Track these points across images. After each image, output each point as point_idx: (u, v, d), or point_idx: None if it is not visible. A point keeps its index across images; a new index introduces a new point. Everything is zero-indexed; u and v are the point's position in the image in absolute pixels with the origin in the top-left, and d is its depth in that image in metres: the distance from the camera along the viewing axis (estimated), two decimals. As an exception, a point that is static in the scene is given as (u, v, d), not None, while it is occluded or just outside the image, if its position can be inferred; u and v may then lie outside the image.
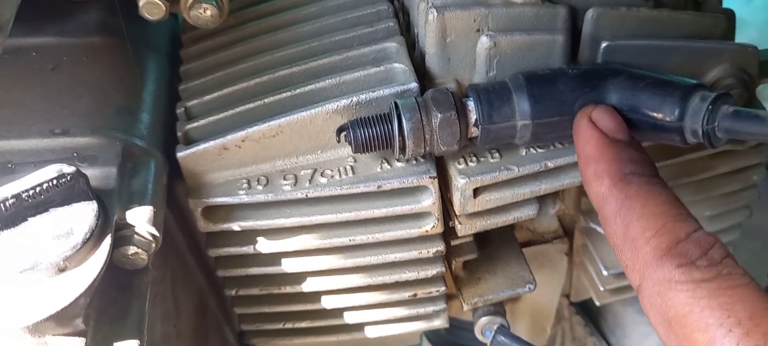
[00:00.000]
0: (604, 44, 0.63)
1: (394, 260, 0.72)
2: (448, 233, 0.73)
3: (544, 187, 0.67)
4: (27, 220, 0.52)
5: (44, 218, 0.52)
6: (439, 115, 0.60)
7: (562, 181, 0.67)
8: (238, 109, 0.67)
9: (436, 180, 0.65)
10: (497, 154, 0.65)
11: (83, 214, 0.53)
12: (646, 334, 1.03)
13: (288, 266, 0.73)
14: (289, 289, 0.76)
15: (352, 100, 0.64)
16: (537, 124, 0.60)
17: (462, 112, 0.60)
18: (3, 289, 0.49)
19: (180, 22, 0.84)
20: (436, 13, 0.63)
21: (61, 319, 0.49)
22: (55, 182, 0.52)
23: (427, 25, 0.64)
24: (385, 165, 0.66)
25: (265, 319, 0.83)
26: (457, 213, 0.68)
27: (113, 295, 0.56)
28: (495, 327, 0.79)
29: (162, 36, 0.83)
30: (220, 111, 0.68)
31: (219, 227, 0.68)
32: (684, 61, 0.64)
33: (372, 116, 0.62)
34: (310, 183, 0.66)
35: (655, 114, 0.57)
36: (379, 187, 0.65)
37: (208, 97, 0.70)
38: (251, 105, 0.67)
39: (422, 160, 0.65)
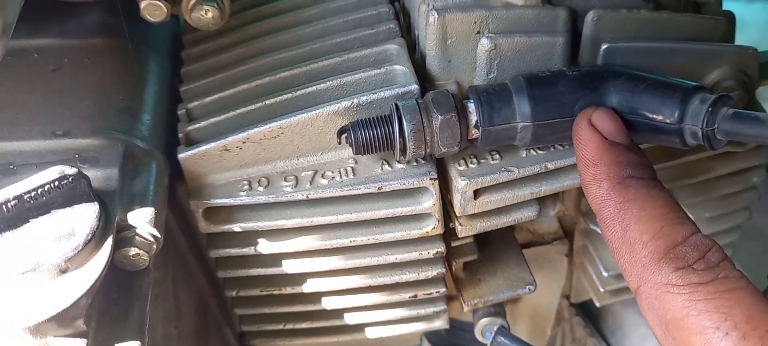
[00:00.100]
0: (604, 46, 0.63)
1: (395, 261, 0.73)
2: (448, 235, 0.73)
3: (544, 188, 0.67)
4: (29, 221, 0.52)
5: (46, 220, 0.52)
6: (439, 116, 0.60)
7: (562, 182, 0.67)
8: (239, 111, 0.67)
9: (437, 181, 0.65)
10: (497, 156, 0.66)
11: (85, 215, 0.53)
12: (646, 335, 1.03)
13: (288, 267, 0.73)
14: (289, 290, 0.76)
15: (352, 102, 0.64)
16: (537, 125, 0.60)
17: (462, 114, 0.60)
18: (5, 290, 0.49)
19: (181, 23, 0.84)
20: (436, 16, 0.63)
21: (62, 320, 0.49)
22: (56, 183, 0.52)
23: (428, 27, 0.64)
24: (386, 166, 0.66)
25: (265, 320, 0.83)
26: (457, 214, 0.68)
27: (114, 296, 0.56)
28: (495, 328, 0.80)
29: (163, 37, 0.83)
30: (222, 112, 0.68)
31: (220, 228, 0.68)
32: (684, 63, 0.64)
33: (373, 118, 0.62)
34: (310, 184, 0.66)
35: (655, 116, 0.57)
36: (379, 188, 0.65)
37: (209, 99, 0.70)
38: (252, 106, 0.67)
39: (423, 161, 0.65)
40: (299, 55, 0.72)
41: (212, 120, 0.68)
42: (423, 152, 0.61)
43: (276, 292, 0.77)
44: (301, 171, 0.67)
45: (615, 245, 0.52)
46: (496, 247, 0.82)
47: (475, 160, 0.65)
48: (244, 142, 0.65)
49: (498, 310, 0.81)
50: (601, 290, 0.87)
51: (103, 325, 0.54)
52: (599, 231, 0.80)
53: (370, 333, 0.84)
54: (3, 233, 0.51)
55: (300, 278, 0.75)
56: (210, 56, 0.77)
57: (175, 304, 0.75)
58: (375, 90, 0.65)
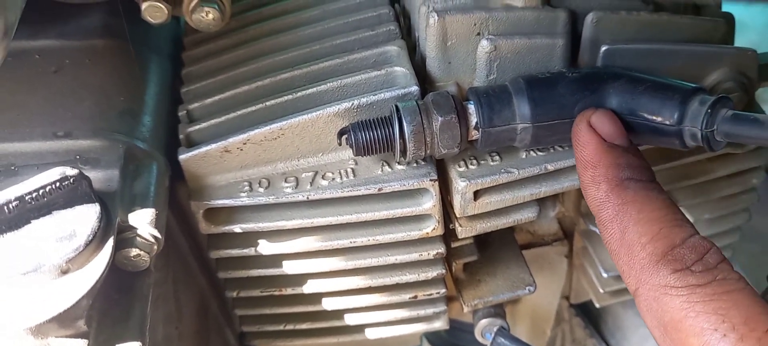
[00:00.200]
0: (603, 48, 0.63)
1: (395, 262, 0.73)
2: (448, 236, 0.73)
3: (544, 189, 0.67)
4: (30, 222, 0.52)
5: (47, 221, 0.52)
6: (439, 118, 0.60)
7: (562, 184, 0.67)
8: (239, 112, 0.67)
9: (437, 183, 0.65)
10: (497, 157, 0.66)
11: (86, 216, 0.53)
12: (646, 336, 1.03)
13: (289, 267, 0.73)
14: (290, 291, 0.77)
15: (353, 104, 0.64)
16: (537, 127, 0.60)
17: (462, 116, 0.60)
18: (6, 290, 0.49)
19: (182, 24, 0.85)
20: (436, 17, 0.63)
21: (63, 320, 0.49)
22: (58, 184, 0.53)
23: (428, 29, 0.64)
24: (386, 168, 0.66)
25: (266, 320, 0.83)
26: (457, 215, 0.68)
27: (115, 297, 0.56)
28: (495, 329, 0.80)
29: (164, 39, 0.83)
30: (222, 114, 0.68)
31: (220, 229, 0.68)
32: (684, 64, 0.64)
33: (373, 119, 0.62)
34: (311, 185, 0.66)
35: (654, 117, 0.58)
36: (379, 189, 0.65)
37: (209, 100, 0.70)
38: (253, 108, 0.67)
39: (423, 162, 0.66)
40: (300, 57, 0.72)
41: (213, 121, 0.68)
42: (423, 154, 0.62)
43: (276, 293, 0.77)
44: (301, 172, 0.67)
45: (613, 246, 0.52)
46: (496, 248, 0.82)
47: (475, 161, 0.65)
48: (244, 144, 0.65)
49: (498, 311, 0.81)
50: (601, 291, 0.87)
51: (104, 326, 0.54)
52: (599, 232, 0.80)
53: (370, 334, 0.84)
54: (4, 234, 0.51)
55: (300, 278, 0.75)
56: (211, 58, 0.77)
57: (175, 305, 0.75)
58: (375, 91, 0.65)
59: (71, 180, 0.53)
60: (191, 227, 0.74)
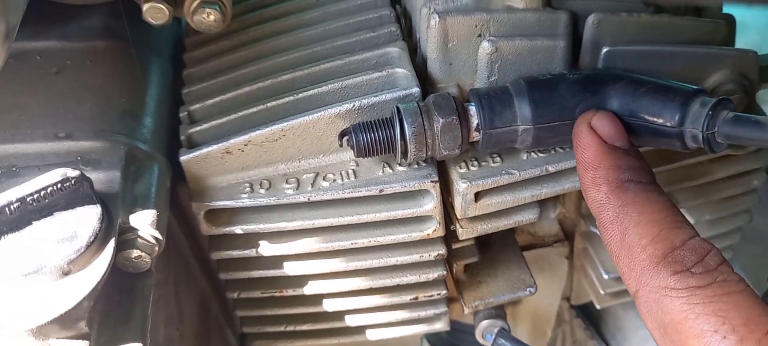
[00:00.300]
0: (604, 49, 0.63)
1: (396, 263, 0.73)
2: (449, 237, 0.73)
3: (545, 191, 0.67)
4: (31, 223, 0.52)
5: (48, 222, 0.52)
6: (440, 119, 0.60)
7: (563, 185, 0.67)
8: (240, 113, 0.67)
9: (438, 184, 0.65)
10: (498, 159, 0.66)
11: (87, 217, 0.53)
12: (646, 338, 1.03)
13: (290, 269, 0.73)
14: (290, 292, 0.77)
15: (354, 105, 0.64)
16: (538, 128, 0.60)
17: (463, 117, 0.61)
18: (7, 291, 0.49)
19: (183, 26, 0.85)
20: (437, 19, 0.63)
21: (64, 322, 0.50)
22: (59, 185, 0.53)
23: (429, 30, 0.64)
24: (387, 169, 0.66)
25: (266, 322, 0.83)
26: (458, 217, 0.68)
27: (117, 298, 0.56)
28: (496, 330, 0.80)
29: (165, 40, 0.83)
30: (223, 115, 0.68)
31: (221, 230, 0.68)
32: (684, 66, 0.64)
33: (374, 121, 0.62)
34: (312, 187, 0.66)
35: (655, 119, 0.58)
36: (380, 191, 0.65)
37: (211, 101, 0.70)
38: (254, 109, 0.67)
39: (424, 164, 0.66)
40: (301, 58, 0.72)
41: (214, 123, 0.68)
42: (424, 155, 0.62)
43: (277, 294, 0.77)
44: (302, 173, 0.67)
45: (614, 248, 0.52)
46: (497, 249, 0.82)
47: (476, 162, 0.65)
48: (245, 145, 0.66)
49: (499, 312, 0.81)
50: (602, 292, 0.87)
51: (106, 327, 0.54)
52: (599, 234, 0.80)
53: (371, 335, 0.84)
54: (6, 235, 0.51)
55: (301, 280, 0.75)
56: (212, 59, 0.77)
57: (176, 306, 0.76)
58: (376, 93, 0.65)
59: (72, 181, 0.53)
60: (192, 228, 0.75)
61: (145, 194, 0.61)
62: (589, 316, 1.11)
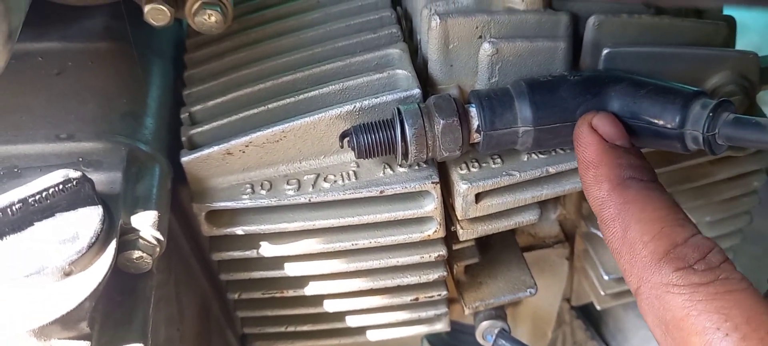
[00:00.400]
0: (605, 51, 0.64)
1: (396, 264, 0.73)
2: (449, 238, 0.73)
3: (545, 192, 0.67)
4: (33, 224, 0.52)
5: (50, 223, 0.53)
6: (441, 121, 0.60)
7: (563, 186, 0.67)
8: (241, 115, 0.67)
9: (438, 185, 0.65)
10: (499, 160, 0.66)
11: (89, 218, 0.53)
12: (646, 338, 1.03)
13: (290, 270, 0.73)
14: (291, 293, 0.77)
15: (355, 106, 0.64)
16: (539, 130, 0.60)
17: (464, 118, 0.61)
18: (9, 292, 0.50)
19: (184, 27, 0.85)
20: (438, 20, 0.63)
21: (66, 322, 0.50)
22: (61, 186, 0.53)
23: (430, 32, 0.64)
24: (388, 170, 0.66)
25: (267, 322, 0.83)
26: (458, 218, 0.68)
27: (118, 299, 0.56)
28: (496, 331, 0.80)
29: (167, 41, 0.83)
30: (224, 116, 0.68)
31: (222, 231, 0.68)
32: (685, 68, 0.65)
33: (375, 122, 0.62)
34: (313, 188, 0.66)
35: (656, 121, 0.58)
36: (381, 192, 0.65)
37: (212, 103, 0.71)
38: (255, 110, 0.67)
39: (424, 165, 0.66)
40: (302, 59, 0.72)
41: (215, 124, 0.68)
42: (425, 156, 0.62)
43: (278, 295, 0.77)
44: (303, 175, 0.67)
45: (615, 245, 0.52)
46: (497, 250, 0.82)
47: (476, 164, 0.65)
48: (246, 146, 0.66)
49: (499, 313, 0.81)
50: (602, 293, 0.87)
51: (107, 327, 0.54)
52: (600, 234, 0.80)
53: (372, 336, 0.84)
54: (7, 236, 0.51)
55: (302, 281, 0.75)
56: (213, 60, 0.77)
57: (177, 307, 0.76)
58: (377, 94, 0.65)
59: (74, 182, 0.53)
60: (193, 229, 0.75)
61: (146, 195, 0.62)
62: (590, 317, 1.11)
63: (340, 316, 0.80)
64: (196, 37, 0.80)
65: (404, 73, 0.67)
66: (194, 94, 0.73)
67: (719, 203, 0.82)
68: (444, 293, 0.78)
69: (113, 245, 0.53)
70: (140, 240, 0.57)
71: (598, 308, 0.93)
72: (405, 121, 0.60)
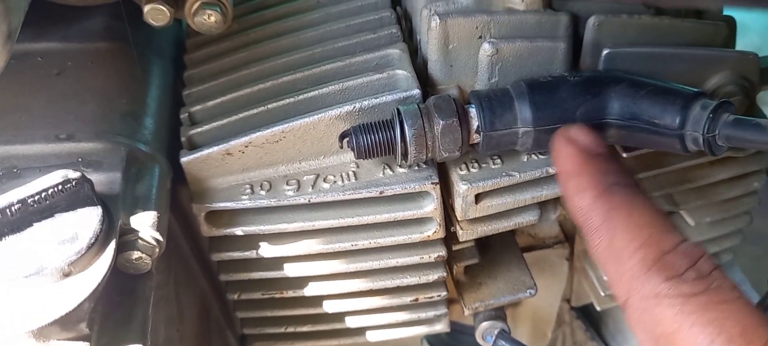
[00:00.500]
0: (605, 52, 0.63)
1: (396, 264, 0.73)
2: (449, 238, 0.73)
3: (545, 193, 0.67)
4: (32, 225, 0.52)
5: (49, 223, 0.53)
6: (441, 121, 0.60)
7: (563, 187, 0.67)
8: (241, 115, 0.67)
9: (438, 186, 0.65)
10: (499, 161, 0.66)
11: (88, 219, 0.53)
12: (647, 339, 1.03)
13: (290, 270, 0.73)
14: (291, 293, 0.77)
15: (354, 107, 0.64)
16: (538, 130, 0.60)
17: (464, 119, 0.61)
18: (8, 293, 0.49)
19: (184, 27, 0.85)
20: (438, 20, 0.63)
21: (65, 323, 0.50)
22: (60, 187, 0.53)
23: (430, 32, 0.64)
24: (388, 171, 0.66)
25: (267, 323, 0.83)
26: (458, 218, 0.68)
27: (117, 299, 0.56)
28: (496, 332, 0.80)
29: (166, 41, 0.83)
30: (224, 116, 0.68)
31: (222, 231, 0.68)
32: (685, 68, 0.64)
33: (374, 122, 0.62)
34: (312, 188, 0.66)
35: (656, 121, 0.58)
36: (381, 192, 0.65)
37: (211, 103, 0.71)
38: (254, 111, 0.67)
39: (424, 166, 0.66)
40: (301, 60, 0.72)
41: (215, 124, 0.68)
42: (424, 157, 0.62)
43: (278, 295, 0.77)
44: (303, 175, 0.67)
45: (601, 255, 0.50)
46: (497, 251, 0.82)
47: (476, 164, 0.65)
48: (246, 146, 0.66)
49: (499, 313, 0.81)
50: (602, 293, 0.87)
51: (106, 328, 0.54)
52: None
53: (371, 337, 0.84)
54: (7, 237, 0.51)
55: (301, 281, 0.75)
56: (212, 60, 0.77)
57: (177, 307, 0.76)
58: (377, 94, 0.65)
59: (73, 183, 0.53)
60: (193, 229, 0.75)
61: (145, 196, 0.61)
62: (590, 317, 1.11)
63: (339, 317, 0.80)
64: (196, 37, 0.80)
65: (404, 74, 0.66)
66: (194, 95, 0.73)
67: (719, 204, 0.82)
68: (444, 293, 0.78)
69: (112, 245, 0.53)
70: (140, 241, 0.57)
71: (598, 308, 0.93)
72: (405, 121, 0.60)
